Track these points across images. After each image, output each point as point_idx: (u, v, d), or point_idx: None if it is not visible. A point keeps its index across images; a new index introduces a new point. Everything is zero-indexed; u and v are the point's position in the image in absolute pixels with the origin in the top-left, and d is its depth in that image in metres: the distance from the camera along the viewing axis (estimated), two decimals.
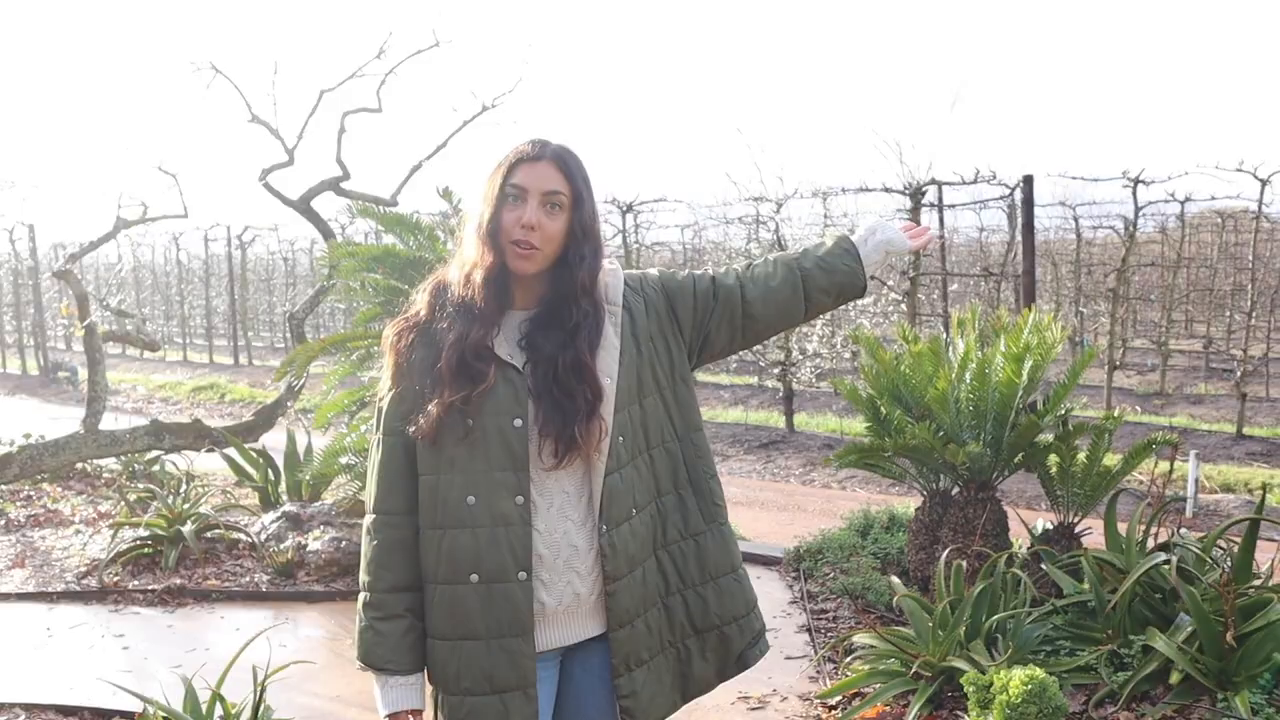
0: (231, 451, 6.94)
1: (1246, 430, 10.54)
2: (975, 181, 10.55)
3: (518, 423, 1.79)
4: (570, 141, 1.87)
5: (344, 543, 5.19)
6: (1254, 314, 11.79)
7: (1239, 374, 11.27)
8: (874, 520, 5.50)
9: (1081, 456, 4.38)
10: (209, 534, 5.63)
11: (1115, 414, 4.37)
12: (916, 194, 10.76)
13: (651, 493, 1.91)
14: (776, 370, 11.33)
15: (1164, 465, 5.36)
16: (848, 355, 12.50)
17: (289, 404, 8.39)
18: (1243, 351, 11.62)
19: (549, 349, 1.81)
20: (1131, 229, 12.32)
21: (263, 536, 5.52)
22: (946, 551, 3.81)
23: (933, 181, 10.78)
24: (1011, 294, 14.05)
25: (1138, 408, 11.81)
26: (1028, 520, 4.86)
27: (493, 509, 1.77)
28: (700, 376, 13.34)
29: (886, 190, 11.14)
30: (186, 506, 5.63)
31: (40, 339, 17.90)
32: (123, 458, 7.82)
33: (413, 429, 1.79)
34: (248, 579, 5.21)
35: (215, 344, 20.92)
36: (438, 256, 5.81)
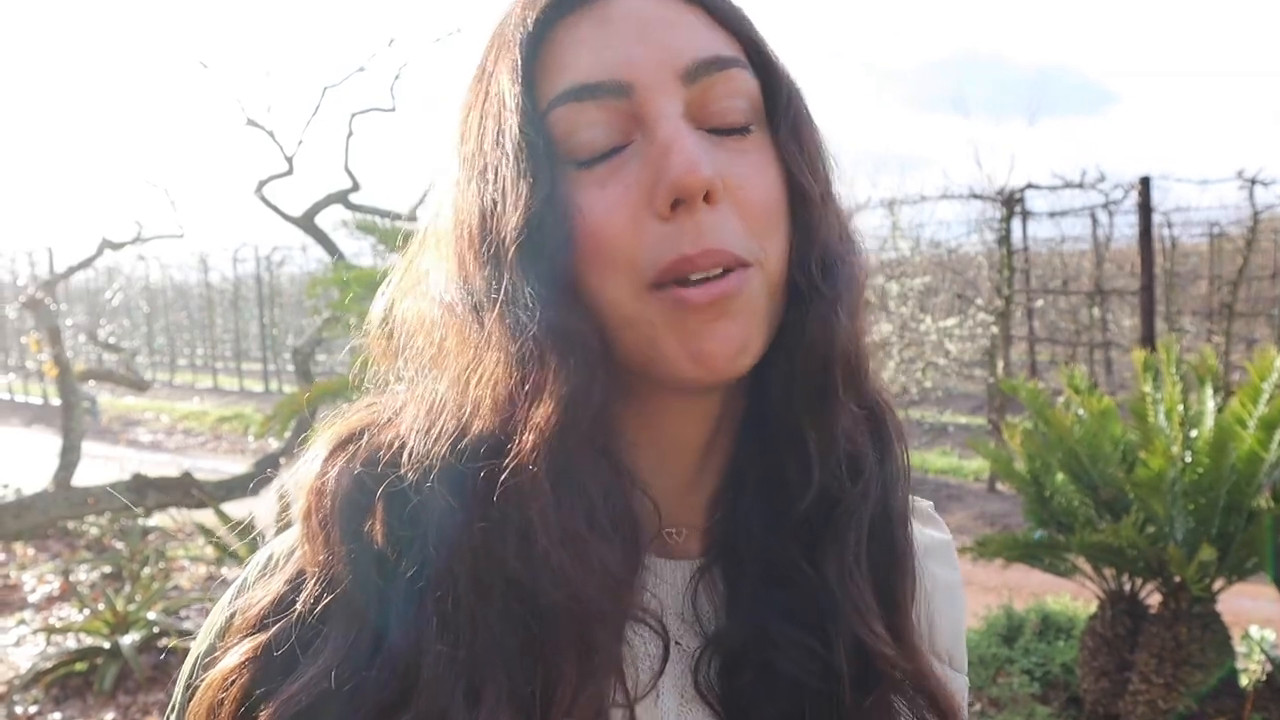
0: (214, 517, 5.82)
1: None
2: (1081, 185, 9.18)
3: None
4: None
5: None
6: None
7: None
8: (1021, 621, 4.20)
9: None
10: (162, 643, 4.43)
11: None
12: (1010, 200, 9.39)
13: None
14: None
15: None
16: (928, 384, 11.10)
17: (296, 450, 7.33)
18: None
19: (792, 643, 0.59)
20: (1249, 235, 10.88)
21: None
22: None
23: (1029, 186, 9.42)
24: (1098, 310, 12.73)
25: None
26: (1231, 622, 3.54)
27: None
28: None
29: (975, 197, 9.82)
30: (133, 607, 4.39)
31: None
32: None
33: None
34: None
35: (248, 369, 20.10)
36: None
